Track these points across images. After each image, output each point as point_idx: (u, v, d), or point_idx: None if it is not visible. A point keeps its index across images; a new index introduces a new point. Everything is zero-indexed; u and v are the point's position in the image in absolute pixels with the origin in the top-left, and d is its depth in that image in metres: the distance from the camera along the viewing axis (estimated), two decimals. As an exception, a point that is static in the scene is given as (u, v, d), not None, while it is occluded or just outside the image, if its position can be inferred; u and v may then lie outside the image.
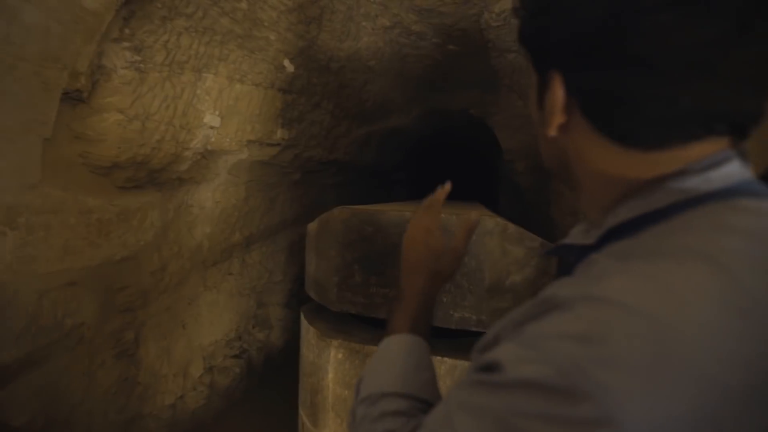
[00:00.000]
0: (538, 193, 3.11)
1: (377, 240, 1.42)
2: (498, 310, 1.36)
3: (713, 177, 0.29)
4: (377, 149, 3.31)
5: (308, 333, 1.58)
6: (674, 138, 0.30)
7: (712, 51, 0.27)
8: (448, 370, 1.33)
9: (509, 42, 2.46)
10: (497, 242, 1.34)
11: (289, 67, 1.94)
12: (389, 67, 2.77)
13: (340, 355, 1.42)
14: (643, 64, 0.29)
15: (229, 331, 2.08)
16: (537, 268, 1.40)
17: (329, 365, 1.43)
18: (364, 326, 1.55)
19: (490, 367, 0.27)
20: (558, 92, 0.34)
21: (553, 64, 0.34)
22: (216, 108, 1.67)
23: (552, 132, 0.35)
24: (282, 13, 1.72)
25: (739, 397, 0.22)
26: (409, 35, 2.53)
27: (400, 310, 0.56)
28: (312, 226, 1.65)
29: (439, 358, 1.34)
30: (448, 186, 0.66)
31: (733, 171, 0.30)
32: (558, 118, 0.34)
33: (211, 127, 1.68)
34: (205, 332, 1.94)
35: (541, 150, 0.42)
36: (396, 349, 0.51)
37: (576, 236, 0.37)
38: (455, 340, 1.50)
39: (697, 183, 0.29)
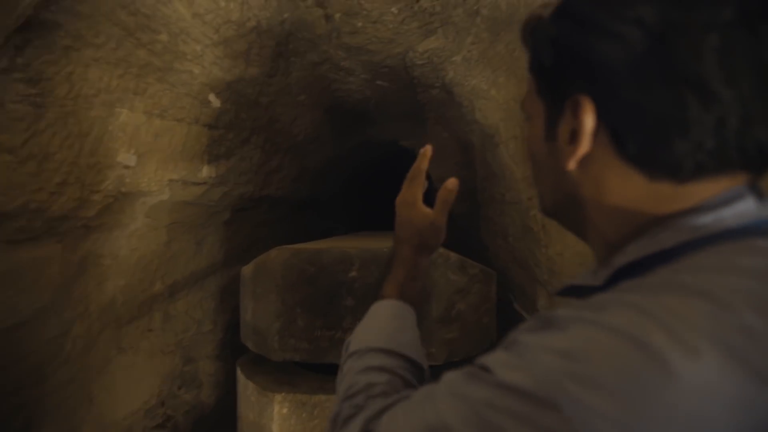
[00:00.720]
0: (469, 218, 3.26)
1: (320, 280, 1.35)
2: (447, 341, 1.35)
3: (726, 215, 0.28)
4: (311, 183, 3.25)
5: (246, 389, 1.43)
6: (710, 168, 0.29)
7: (757, 77, 0.27)
8: (403, 411, 1.27)
9: (433, 78, 2.62)
10: (441, 272, 1.35)
11: (215, 102, 1.85)
12: (320, 102, 2.78)
13: (284, 410, 1.29)
14: (698, 89, 0.27)
15: (150, 398, 1.80)
16: (479, 295, 1.43)
17: (273, 423, 1.29)
18: (310, 374, 1.44)
19: (482, 368, 0.29)
20: (588, 119, 0.31)
21: (582, 89, 0.32)
22: (132, 146, 1.51)
23: (572, 165, 0.33)
24: (207, 46, 1.65)
25: None
26: (338, 71, 2.57)
27: (390, 278, 0.61)
28: (247, 270, 1.53)
29: (392, 399, 1.28)
30: (428, 149, 0.66)
31: (748, 209, 0.29)
32: (584, 148, 0.32)
33: (126, 167, 1.51)
34: (120, 404, 1.66)
35: (542, 188, 0.40)
36: (383, 312, 0.56)
37: (584, 278, 0.36)
38: (407, 378, 1.46)
39: (709, 221, 0.28)
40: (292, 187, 2.93)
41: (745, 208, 0.29)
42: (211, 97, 1.82)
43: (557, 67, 0.34)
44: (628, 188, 0.31)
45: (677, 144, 0.28)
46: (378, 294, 0.60)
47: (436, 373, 1.43)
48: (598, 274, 0.34)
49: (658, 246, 0.29)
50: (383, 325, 0.54)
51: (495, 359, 0.29)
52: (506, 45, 1.80)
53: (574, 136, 0.33)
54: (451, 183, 0.64)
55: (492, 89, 2.11)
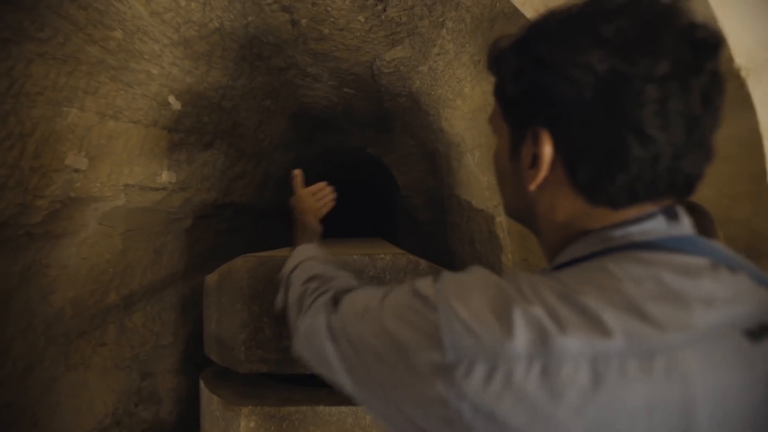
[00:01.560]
0: (435, 225, 3.31)
1: (288, 287, 1.32)
2: (417, 347, 1.35)
3: (633, 231, 0.34)
4: (276, 190, 3.18)
5: (210, 403, 1.36)
6: (642, 197, 0.34)
7: (686, 122, 0.31)
8: (373, 420, 1.26)
9: (400, 87, 2.65)
10: (411, 279, 1.36)
11: (175, 104, 1.77)
12: (286, 107, 2.74)
13: (252, 424, 1.24)
14: (637, 132, 0.31)
15: (104, 417, 1.68)
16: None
17: (239, 439, 1.23)
18: (278, 386, 1.39)
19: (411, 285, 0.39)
20: (547, 149, 0.35)
21: (541, 122, 0.35)
22: (82, 148, 1.41)
23: (533, 187, 0.37)
24: (165, 46, 1.58)
25: None
26: (304, 77, 2.54)
27: (303, 237, 0.85)
28: (211, 279, 1.46)
29: (363, 409, 1.26)
30: (297, 172, 1.00)
31: (655, 227, 0.34)
32: (543, 173, 0.36)
33: (76, 170, 1.41)
34: (68, 426, 1.53)
35: (506, 198, 0.45)
36: (310, 246, 0.79)
37: None
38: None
39: (618, 235, 0.34)
40: (257, 193, 2.86)
41: (651, 227, 0.34)
42: (171, 99, 1.75)
43: (520, 99, 0.38)
44: (573, 209, 0.37)
45: (619, 177, 0.33)
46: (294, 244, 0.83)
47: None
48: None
49: (580, 252, 0.36)
50: (314, 249, 0.78)
51: (422, 281, 0.38)
52: (471, 56, 1.85)
53: (535, 162, 0.37)
54: (296, 172, 1.01)
55: (458, 99, 2.17)
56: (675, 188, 0.34)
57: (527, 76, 0.36)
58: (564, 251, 0.37)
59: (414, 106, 2.80)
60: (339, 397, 1.31)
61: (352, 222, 5.74)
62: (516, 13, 1.34)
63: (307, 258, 0.71)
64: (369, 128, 3.40)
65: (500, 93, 0.40)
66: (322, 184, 1.00)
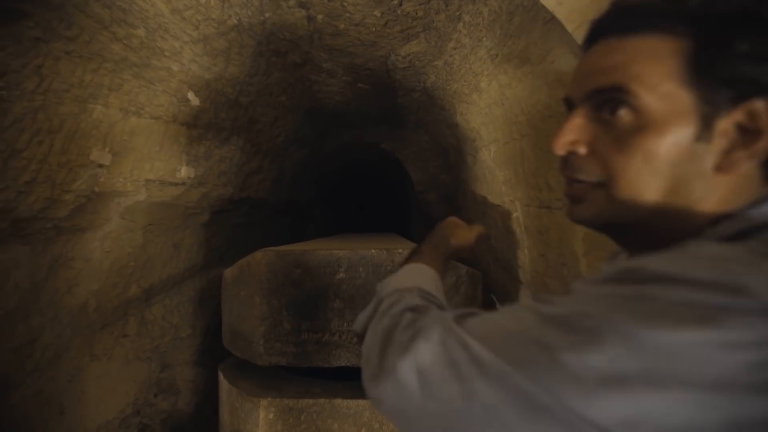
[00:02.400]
0: (449, 221, 3.30)
1: (307, 282, 1.34)
2: (434, 342, 1.35)
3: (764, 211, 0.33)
4: (291, 185, 3.21)
5: (230, 394, 1.39)
6: None
7: None
8: (390, 412, 1.27)
9: (414, 82, 2.64)
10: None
11: (194, 100, 1.80)
12: (301, 103, 2.75)
13: (270, 416, 1.26)
14: None
15: (125, 407, 1.72)
16: (466, 296, 1.45)
17: (258, 429, 1.26)
18: (296, 378, 1.41)
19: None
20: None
21: (759, 92, 0.32)
22: (106, 143, 1.44)
23: (728, 167, 0.33)
24: (186, 43, 1.60)
25: None
26: (319, 72, 2.55)
27: (425, 259, 0.63)
28: (230, 273, 1.49)
29: (380, 401, 1.27)
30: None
31: None
32: (762, 149, 0.33)
33: (100, 166, 1.44)
34: (92, 414, 1.58)
35: (650, 191, 0.35)
36: (416, 267, 0.60)
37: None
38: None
39: (760, 213, 0.32)
40: (272, 188, 2.88)
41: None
42: (190, 96, 1.77)
43: (754, 71, 0.32)
44: (748, 190, 0.34)
45: None
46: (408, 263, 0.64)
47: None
48: None
49: (717, 235, 0.33)
50: (418, 274, 0.59)
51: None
52: (488, 50, 1.83)
53: (753, 138, 0.33)
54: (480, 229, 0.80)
55: (473, 93, 2.15)
56: None
57: (763, 45, 0.32)
58: (701, 235, 0.33)
59: (429, 101, 2.78)
60: (356, 391, 1.32)
61: (366, 218, 5.76)
62: (536, 5, 1.32)
63: (413, 287, 0.53)
64: (383, 124, 3.40)
65: (722, 53, 0.33)
66: (482, 229, 0.81)
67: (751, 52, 0.32)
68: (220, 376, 1.47)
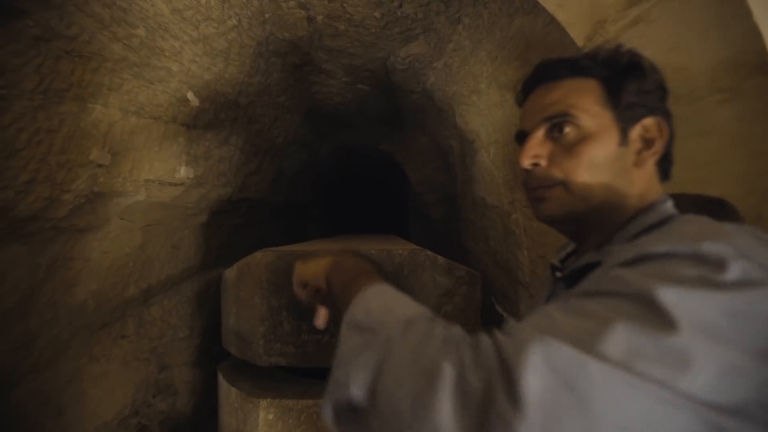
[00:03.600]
0: (448, 222, 3.30)
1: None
2: (434, 343, 1.35)
3: (668, 207, 0.48)
4: (290, 186, 3.20)
5: (229, 395, 1.38)
6: (669, 176, 0.51)
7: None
8: (390, 413, 1.27)
9: (414, 84, 2.64)
10: (429, 275, 1.36)
11: (194, 100, 1.79)
12: (300, 104, 2.75)
13: (270, 416, 1.26)
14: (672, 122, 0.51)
15: (123, 408, 1.72)
16: (465, 297, 1.45)
17: (258, 430, 1.26)
18: (295, 379, 1.41)
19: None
20: (667, 133, 0.48)
21: (659, 114, 0.48)
22: (105, 143, 1.44)
23: (649, 161, 0.48)
24: (185, 43, 1.60)
25: None
26: (319, 73, 2.55)
27: (361, 277, 0.50)
28: (230, 273, 1.48)
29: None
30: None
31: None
32: (658, 150, 0.48)
33: (99, 166, 1.44)
34: (90, 415, 1.57)
35: (596, 188, 0.48)
36: (385, 290, 0.46)
37: (588, 257, 0.47)
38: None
39: (664, 209, 0.47)
40: (271, 189, 2.88)
41: (670, 204, 0.48)
42: (190, 96, 1.77)
43: (652, 97, 0.48)
44: (652, 184, 0.49)
45: (670, 158, 0.51)
46: (352, 290, 0.48)
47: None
48: (602, 252, 0.45)
49: (645, 224, 0.45)
50: (399, 299, 0.45)
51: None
52: (488, 53, 1.84)
53: (650, 144, 0.48)
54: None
55: (473, 95, 2.16)
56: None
57: (658, 85, 0.49)
58: (631, 224, 0.46)
59: (428, 103, 2.79)
60: (356, 392, 1.32)
61: (365, 219, 5.76)
62: (536, 8, 1.33)
63: (417, 313, 0.41)
64: (382, 125, 3.40)
65: (636, 89, 0.48)
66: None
67: (637, 89, 0.48)
68: (220, 376, 1.47)
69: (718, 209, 0.77)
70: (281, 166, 2.91)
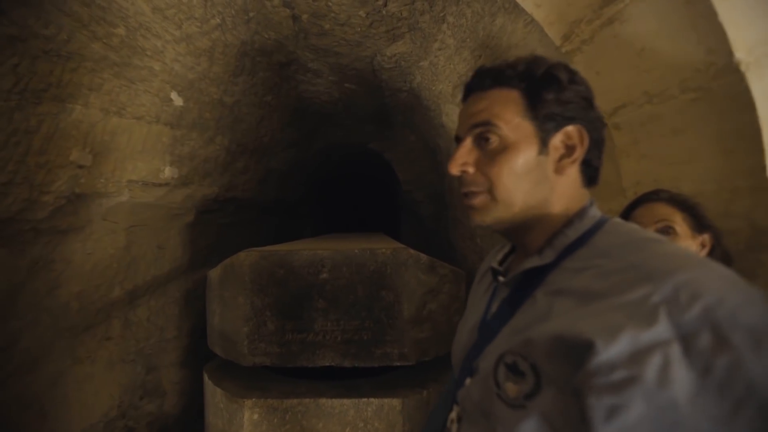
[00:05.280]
0: (437, 220, 3.32)
1: (290, 282, 1.34)
2: (419, 341, 1.37)
3: (597, 210, 0.51)
4: (278, 185, 3.19)
5: (215, 396, 1.38)
6: (596, 180, 0.53)
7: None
8: (374, 411, 1.28)
9: (401, 82, 2.65)
10: (412, 273, 1.37)
11: (177, 100, 1.78)
12: (287, 103, 2.74)
13: (255, 416, 1.26)
14: (603, 128, 0.51)
15: (109, 410, 1.70)
16: (449, 295, 1.46)
17: (243, 430, 1.26)
18: (281, 379, 1.41)
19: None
20: (586, 140, 0.50)
21: (578, 122, 0.50)
22: (86, 144, 1.42)
23: (567, 167, 0.50)
24: (168, 42, 1.59)
25: None
26: (306, 72, 2.54)
27: None
28: (214, 273, 1.48)
29: (364, 400, 1.28)
30: None
31: (597, 208, 0.52)
32: (578, 156, 0.50)
33: (80, 167, 1.42)
34: (75, 418, 1.56)
35: (522, 191, 0.51)
36: None
37: (530, 262, 0.50)
38: (378, 378, 1.46)
39: (594, 213, 0.50)
40: (259, 188, 2.87)
41: (596, 208, 0.51)
42: (173, 95, 1.75)
43: (571, 108, 0.50)
44: (573, 190, 0.51)
45: (598, 162, 0.52)
46: None
47: (407, 373, 1.43)
48: (544, 256, 0.48)
49: (583, 229, 0.48)
50: None
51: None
52: (471, 51, 1.85)
53: (571, 151, 0.50)
54: None
55: (458, 94, 2.16)
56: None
57: (578, 94, 0.50)
58: (567, 230, 0.49)
59: (415, 102, 2.79)
60: (341, 390, 1.33)
61: (355, 217, 5.76)
62: (516, 8, 1.34)
63: None
64: (370, 124, 3.40)
65: (554, 100, 0.50)
66: None
67: (555, 99, 0.50)
68: (205, 377, 1.47)
69: (685, 207, 0.79)
70: (269, 165, 2.90)
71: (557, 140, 0.50)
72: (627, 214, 0.82)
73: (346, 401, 1.27)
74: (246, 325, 1.31)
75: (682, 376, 0.33)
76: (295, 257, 1.35)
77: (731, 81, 0.76)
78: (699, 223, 0.78)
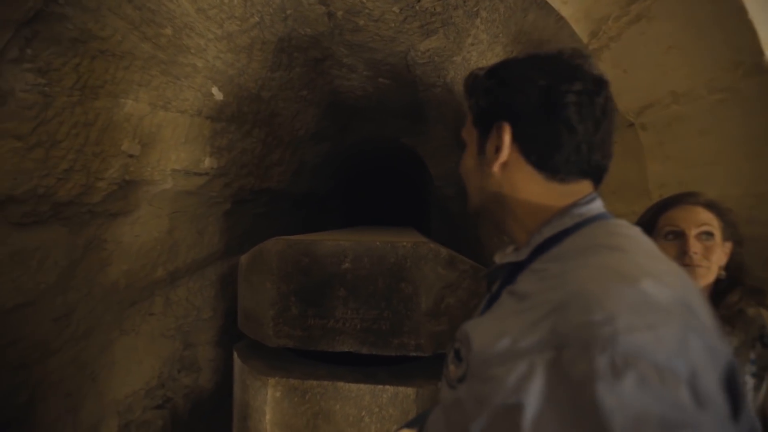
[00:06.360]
0: (467, 217, 3.30)
1: (314, 270, 1.41)
2: (435, 334, 1.40)
3: (592, 208, 0.48)
4: (311, 177, 3.30)
5: (242, 372, 1.48)
6: (574, 174, 0.49)
7: (594, 122, 0.47)
8: (390, 398, 1.33)
9: (434, 77, 2.65)
10: (431, 267, 1.40)
11: (218, 94, 1.89)
12: (322, 97, 2.82)
13: (278, 394, 1.35)
14: (566, 124, 0.47)
15: (150, 379, 1.87)
16: (469, 290, 1.47)
17: (266, 406, 1.35)
18: (303, 361, 1.49)
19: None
20: (507, 136, 0.49)
21: (504, 119, 0.50)
22: (136, 135, 1.56)
23: (496, 168, 0.50)
24: (210, 41, 1.69)
25: None
26: (340, 68, 2.61)
27: None
28: (244, 259, 1.58)
29: (380, 386, 1.33)
30: None
31: (599, 205, 0.49)
32: (505, 155, 0.50)
33: (130, 156, 1.56)
34: (121, 383, 1.73)
35: (473, 191, 0.56)
36: None
37: (506, 257, 0.52)
38: (395, 367, 1.51)
39: (584, 211, 0.48)
40: (292, 180, 2.98)
41: (598, 205, 0.49)
42: (214, 90, 1.87)
43: (489, 106, 0.52)
44: (533, 185, 0.50)
45: (556, 156, 0.48)
46: None
47: (423, 365, 1.46)
48: (520, 252, 0.49)
49: (562, 226, 0.47)
50: None
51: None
52: (504, 47, 1.83)
53: (498, 149, 0.50)
54: None
55: (490, 89, 2.14)
56: (592, 173, 0.50)
57: (495, 90, 0.51)
58: (544, 228, 0.48)
59: (448, 97, 2.78)
60: (359, 376, 1.39)
61: (386, 211, 5.82)
62: (548, 4, 1.32)
63: None
64: (403, 118, 3.42)
65: (473, 105, 0.54)
66: None
67: (475, 104, 0.54)
68: (235, 354, 1.57)
69: (717, 211, 0.76)
70: (303, 157, 3.00)
71: (491, 142, 0.51)
72: (658, 213, 0.79)
73: (363, 386, 1.32)
74: (272, 309, 1.40)
75: (537, 386, 0.33)
76: (319, 247, 1.41)
77: (760, 81, 0.73)
78: (729, 230, 0.75)
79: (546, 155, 0.48)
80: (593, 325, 0.32)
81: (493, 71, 0.52)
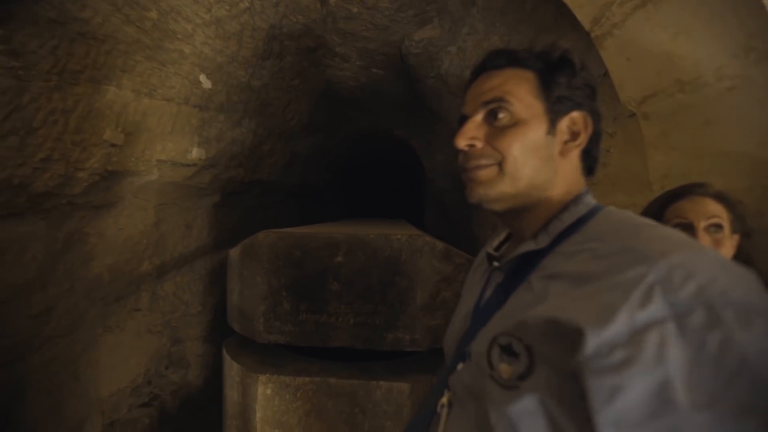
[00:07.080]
0: (461, 210, 3.28)
1: (306, 264, 1.36)
2: (431, 328, 1.37)
3: (591, 198, 0.52)
4: (303, 169, 3.24)
5: (231, 369, 1.44)
6: (594, 171, 0.55)
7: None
8: (384, 394, 1.30)
9: (428, 68, 2.60)
10: (427, 260, 1.36)
11: (206, 82, 1.82)
12: (314, 87, 2.75)
13: (268, 391, 1.31)
14: (599, 120, 0.54)
15: (136, 377, 1.82)
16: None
17: (257, 404, 1.31)
18: (294, 357, 1.45)
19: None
20: (590, 127, 0.52)
21: (585, 109, 0.52)
22: (119, 124, 1.49)
23: (563, 152, 0.51)
24: (198, 26, 1.62)
25: None
26: (333, 57, 2.54)
27: None
28: (234, 252, 1.53)
29: (374, 382, 1.30)
30: None
31: (592, 197, 0.53)
32: (583, 143, 0.52)
33: (113, 145, 1.49)
34: (106, 381, 1.67)
35: (529, 170, 0.51)
36: None
37: (525, 246, 0.50)
38: (389, 362, 1.48)
39: (589, 200, 0.51)
40: (284, 172, 2.92)
41: (591, 197, 0.53)
42: (202, 78, 1.80)
43: (576, 92, 0.52)
44: (574, 175, 0.53)
45: (595, 154, 0.54)
46: None
47: (418, 359, 1.43)
48: (539, 241, 0.49)
49: (578, 214, 0.50)
50: None
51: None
52: (501, 36, 1.79)
53: (577, 135, 0.52)
54: None
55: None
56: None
57: (585, 81, 0.53)
58: (563, 215, 0.50)
59: (443, 88, 2.74)
60: (352, 372, 1.36)
61: (380, 204, 5.77)
62: (548, -11, 1.28)
63: None
64: (397, 110, 3.37)
65: (565, 84, 0.52)
66: None
67: (567, 83, 0.52)
68: (224, 351, 1.53)
69: (725, 202, 0.74)
70: (295, 149, 2.94)
71: (564, 124, 0.51)
72: (666, 205, 0.77)
73: (356, 382, 1.29)
74: (263, 304, 1.35)
75: (677, 354, 0.34)
76: (311, 240, 1.37)
77: (773, 70, 0.70)
78: (738, 223, 0.73)
79: (594, 151, 0.53)
80: (703, 288, 0.35)
81: (584, 65, 0.54)
